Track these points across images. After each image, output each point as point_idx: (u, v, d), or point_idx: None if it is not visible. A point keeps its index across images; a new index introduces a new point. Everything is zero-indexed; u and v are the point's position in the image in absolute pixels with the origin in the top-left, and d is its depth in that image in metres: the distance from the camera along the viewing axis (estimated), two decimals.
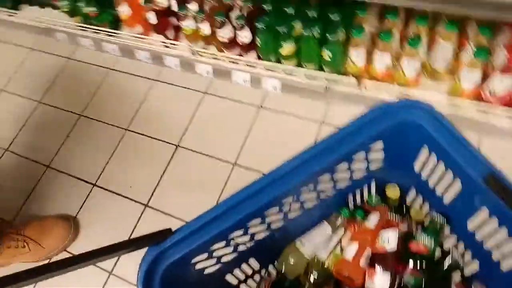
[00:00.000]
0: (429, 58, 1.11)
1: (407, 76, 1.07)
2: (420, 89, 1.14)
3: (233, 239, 0.76)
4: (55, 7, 1.62)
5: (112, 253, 0.66)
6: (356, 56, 1.08)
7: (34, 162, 1.55)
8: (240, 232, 0.75)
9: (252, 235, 0.81)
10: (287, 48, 1.16)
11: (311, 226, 0.95)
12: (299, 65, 1.22)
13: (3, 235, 1.23)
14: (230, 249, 0.80)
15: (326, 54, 1.11)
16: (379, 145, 0.79)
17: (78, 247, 1.33)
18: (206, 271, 0.81)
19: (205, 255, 0.75)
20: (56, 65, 1.77)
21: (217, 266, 0.82)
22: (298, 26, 1.16)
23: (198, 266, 0.77)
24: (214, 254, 0.77)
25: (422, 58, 1.09)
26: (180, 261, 0.69)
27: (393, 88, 1.12)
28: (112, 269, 1.26)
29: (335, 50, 1.10)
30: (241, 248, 0.83)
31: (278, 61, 1.24)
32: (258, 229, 0.80)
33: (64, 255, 1.32)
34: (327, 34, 1.05)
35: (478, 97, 1.05)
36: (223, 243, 0.76)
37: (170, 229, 0.70)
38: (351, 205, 0.98)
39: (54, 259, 1.32)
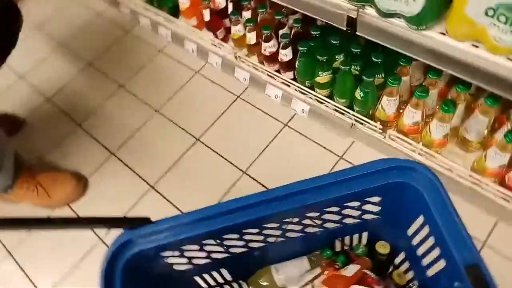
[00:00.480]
0: (462, 126, 1.07)
1: (433, 137, 1.04)
2: (444, 153, 1.10)
3: (206, 245, 0.78)
4: None
5: (91, 224, 0.70)
6: (387, 104, 1.06)
7: (69, 118, 1.65)
8: (214, 242, 0.76)
9: (228, 248, 0.82)
10: (323, 77, 1.16)
11: (291, 255, 0.94)
12: (331, 96, 1.22)
13: (19, 175, 1.32)
14: (203, 254, 0.82)
15: (359, 93, 1.10)
16: (376, 199, 0.78)
17: (80, 206, 1.40)
18: (176, 267, 0.83)
19: (177, 252, 0.77)
20: (116, 34, 1.87)
21: (187, 266, 0.84)
22: (339, 58, 1.16)
23: (168, 260, 0.79)
24: (186, 254, 0.79)
25: (454, 123, 1.05)
26: (150, 251, 0.72)
27: (416, 145, 1.09)
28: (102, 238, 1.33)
29: (368, 92, 1.09)
30: (215, 255, 0.84)
31: (312, 87, 1.25)
32: (234, 243, 0.81)
33: (66, 210, 1.40)
34: (363, 75, 1.04)
35: (501, 180, 1.00)
36: (196, 247, 0.77)
37: (149, 218, 0.73)
38: (338, 246, 0.97)
39: (56, 210, 1.40)
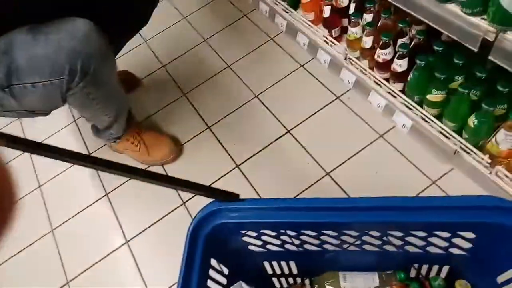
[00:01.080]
0: None
1: None
2: None
3: (283, 235, 0.81)
4: None
5: (184, 187, 0.77)
6: (504, 139, 0.97)
7: (177, 86, 1.79)
8: (292, 233, 0.79)
9: (303, 243, 0.84)
10: (435, 95, 1.09)
11: (362, 267, 0.93)
12: (439, 116, 1.15)
13: (128, 129, 1.48)
14: (278, 242, 0.85)
15: (472, 121, 1.02)
16: (469, 235, 0.73)
17: (171, 168, 1.53)
18: (250, 247, 0.88)
19: (255, 234, 0.81)
20: (233, 16, 1.97)
21: (261, 249, 0.88)
22: (457, 79, 1.08)
23: (245, 239, 0.84)
24: (263, 238, 0.83)
25: None
26: (233, 226, 0.77)
27: None
28: (186, 201, 1.43)
29: (484, 122, 1.00)
30: (288, 246, 0.87)
31: (420, 103, 1.18)
32: (310, 240, 0.83)
33: (159, 169, 1.54)
34: (483, 102, 0.96)
35: None
36: (274, 233, 0.81)
37: (238, 195, 0.78)
38: (413, 272, 0.93)
39: (150, 168, 1.54)
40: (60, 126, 1.82)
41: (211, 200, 0.77)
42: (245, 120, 1.60)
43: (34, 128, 1.84)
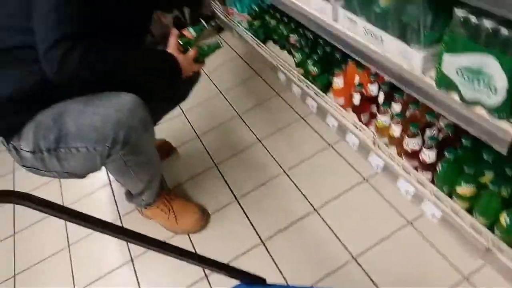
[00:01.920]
0: None
1: None
2: None
3: None
4: (290, 53, 1.93)
5: (212, 266, 0.79)
6: None
7: (209, 157, 1.87)
8: None
9: None
10: (465, 189, 1.09)
11: None
12: (470, 210, 1.13)
13: (160, 196, 1.54)
14: None
15: (504, 219, 1.00)
16: None
17: (197, 238, 1.55)
18: None
19: None
20: (268, 95, 2.09)
21: None
22: (487, 174, 1.08)
23: None
24: None
25: None
26: None
27: None
28: (210, 274, 1.43)
29: None
30: None
31: (450, 194, 1.18)
32: None
33: (185, 238, 1.55)
34: None
35: None
36: None
37: (264, 280, 0.78)
38: None
39: (176, 236, 1.57)
40: (95, 188, 1.90)
41: (236, 281, 0.78)
42: (273, 195, 1.63)
43: (71, 188, 1.93)
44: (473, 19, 0.79)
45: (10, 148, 1.22)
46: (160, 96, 1.45)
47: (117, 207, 1.79)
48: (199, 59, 1.37)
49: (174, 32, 1.33)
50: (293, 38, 1.83)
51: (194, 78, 1.55)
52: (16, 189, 1.98)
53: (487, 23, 0.76)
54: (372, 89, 1.42)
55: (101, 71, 1.11)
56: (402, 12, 0.98)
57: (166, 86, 1.31)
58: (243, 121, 2.00)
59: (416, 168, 1.28)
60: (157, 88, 1.35)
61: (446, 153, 1.11)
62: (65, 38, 1.01)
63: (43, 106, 1.17)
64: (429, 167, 1.22)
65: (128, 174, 1.32)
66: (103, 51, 1.10)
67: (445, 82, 0.91)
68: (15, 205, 0.88)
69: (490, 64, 0.77)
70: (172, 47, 1.30)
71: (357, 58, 1.25)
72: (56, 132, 1.15)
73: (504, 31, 0.74)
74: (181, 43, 1.33)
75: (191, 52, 1.32)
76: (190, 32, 1.36)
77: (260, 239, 1.48)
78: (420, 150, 1.22)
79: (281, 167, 1.72)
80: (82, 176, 1.33)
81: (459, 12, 0.80)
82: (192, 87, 1.62)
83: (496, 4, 0.69)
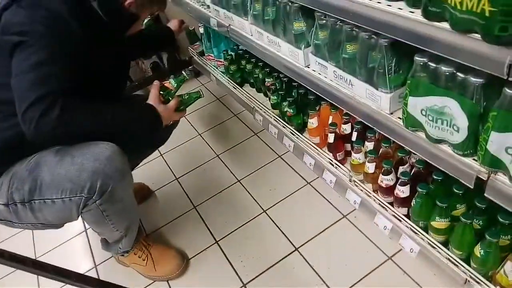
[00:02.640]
0: None
1: None
2: None
3: None
4: (266, 95, 1.99)
5: None
6: (511, 270, 0.97)
7: (187, 199, 1.86)
8: None
9: None
10: (439, 222, 1.13)
11: None
12: (445, 243, 1.16)
13: (137, 242, 1.50)
14: None
15: (478, 250, 1.03)
16: None
17: (176, 284, 1.50)
18: None
19: None
20: (245, 134, 2.13)
21: None
22: (459, 207, 1.12)
23: None
24: None
25: None
26: None
27: None
28: None
29: (490, 252, 1.01)
30: None
31: (426, 229, 1.21)
32: None
33: (163, 285, 1.51)
34: (486, 233, 0.99)
35: None
36: None
37: None
38: None
39: (155, 283, 1.52)
40: (70, 236, 1.84)
41: None
42: (253, 235, 1.62)
43: (44, 236, 1.86)
44: (432, 64, 0.86)
45: None
46: (139, 143, 1.46)
47: (92, 255, 1.73)
48: (180, 108, 1.40)
49: (155, 83, 1.36)
50: (269, 81, 1.90)
51: (173, 124, 1.57)
52: None
53: (445, 68, 0.83)
54: (346, 128, 1.48)
55: (78, 132, 1.11)
56: (368, 58, 1.05)
57: (146, 135, 1.34)
58: (222, 161, 2.01)
59: (391, 204, 1.31)
60: (136, 137, 1.36)
61: (419, 188, 1.15)
62: (42, 98, 1.02)
63: (19, 158, 1.16)
64: (404, 202, 1.26)
65: (105, 224, 1.28)
66: (80, 110, 1.09)
67: (411, 122, 0.97)
68: None
69: (451, 105, 0.83)
70: (153, 98, 1.31)
71: (329, 100, 1.32)
72: (31, 183, 1.12)
73: (461, 75, 0.81)
74: (163, 93, 1.36)
75: (172, 103, 1.34)
76: (171, 83, 1.39)
77: (242, 282, 1.45)
78: (394, 186, 1.27)
79: (260, 207, 1.72)
80: (58, 226, 1.29)
81: (419, 58, 0.87)
82: (170, 132, 1.64)
83: (452, 53, 0.76)
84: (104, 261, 1.67)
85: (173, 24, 1.86)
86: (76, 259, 1.73)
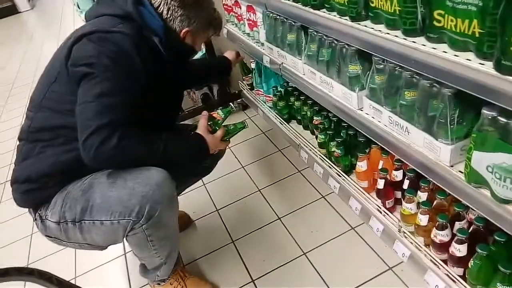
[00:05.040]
0: None
1: None
2: None
3: None
4: (313, 133, 1.97)
5: None
6: None
7: (226, 232, 1.83)
8: None
9: None
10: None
11: None
12: None
13: (174, 272, 1.49)
14: None
15: None
16: None
17: None
18: None
19: None
20: (288, 171, 2.11)
21: None
22: None
23: None
24: None
25: None
26: None
27: None
28: None
29: None
30: None
31: None
32: None
33: None
34: None
35: None
36: None
37: None
38: None
39: None
40: (109, 258, 1.86)
41: None
42: (291, 278, 1.56)
43: (85, 256, 1.90)
44: (502, 119, 0.80)
45: (36, 217, 1.24)
46: (186, 171, 1.48)
47: (129, 280, 1.73)
48: (225, 138, 1.45)
49: (204, 114, 1.42)
50: (317, 119, 1.88)
51: (219, 154, 1.59)
52: (31, 254, 1.97)
53: None
54: (397, 175, 1.41)
55: (132, 159, 1.17)
56: (428, 106, 1.00)
57: (193, 163, 1.39)
58: (263, 197, 1.99)
59: (445, 262, 1.21)
60: (184, 165, 1.41)
61: (478, 249, 1.05)
62: (103, 127, 1.08)
63: (75, 179, 1.21)
64: (459, 261, 1.15)
65: (148, 248, 1.29)
66: (136, 140, 1.16)
67: (475, 178, 0.90)
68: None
69: None
70: (201, 128, 1.37)
71: (381, 145, 1.27)
72: (83, 203, 1.17)
73: None
74: (210, 123, 1.42)
75: (219, 132, 1.40)
76: (218, 114, 1.46)
77: None
78: (449, 242, 1.17)
79: (301, 248, 1.66)
80: (103, 248, 1.32)
81: (488, 112, 0.82)
82: (216, 162, 1.66)
83: None
84: (140, 287, 1.67)
85: (230, 54, 1.91)
86: (113, 282, 1.75)
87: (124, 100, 1.13)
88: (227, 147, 1.53)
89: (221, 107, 1.52)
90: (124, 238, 1.25)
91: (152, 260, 1.39)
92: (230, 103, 1.48)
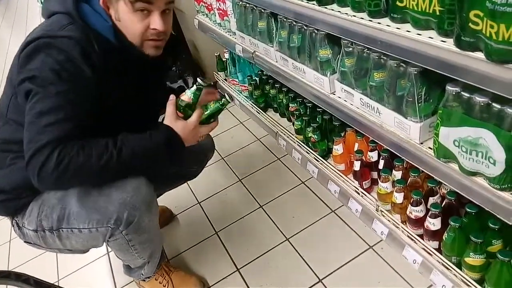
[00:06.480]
0: None
1: None
2: None
3: None
4: (290, 120, 1.98)
5: None
6: None
7: (209, 224, 1.84)
8: None
9: None
10: (474, 259, 1.06)
11: None
12: (481, 281, 1.09)
13: (159, 268, 1.48)
14: None
15: None
16: None
17: None
18: None
19: None
20: (268, 159, 2.12)
21: None
22: (495, 243, 1.06)
23: None
24: None
25: None
26: None
27: None
28: None
29: None
30: None
31: (459, 265, 1.14)
32: None
33: None
34: None
35: None
36: None
37: None
38: None
39: None
40: (92, 258, 1.84)
41: None
42: (275, 264, 1.58)
43: (68, 258, 1.87)
44: (465, 94, 0.82)
45: (13, 224, 1.21)
46: (168, 176, 1.45)
47: (113, 278, 1.72)
48: (208, 120, 1.24)
49: (171, 99, 1.18)
50: (293, 106, 1.89)
51: (206, 147, 1.56)
52: (11, 259, 1.93)
53: (480, 99, 0.80)
54: (372, 155, 1.44)
55: (84, 177, 1.06)
56: (396, 86, 1.03)
57: (167, 160, 1.16)
58: (244, 186, 2.00)
59: (421, 236, 1.25)
60: (159, 167, 1.19)
61: (451, 222, 1.09)
62: (40, 150, 0.99)
63: None
64: (434, 235, 1.20)
65: (129, 252, 1.27)
66: (81, 154, 1.01)
67: (443, 153, 0.93)
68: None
69: (486, 137, 0.80)
70: (169, 117, 1.16)
71: (355, 128, 1.29)
72: (59, 211, 1.14)
73: (496, 105, 0.78)
74: (182, 107, 1.19)
75: (194, 116, 1.17)
76: (187, 95, 1.20)
77: None
78: (424, 217, 1.21)
79: (283, 234, 1.68)
80: (84, 252, 1.31)
81: (452, 88, 0.84)
82: (202, 168, 1.63)
83: (487, 83, 0.73)
84: (125, 285, 1.66)
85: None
86: (98, 282, 1.73)
87: (66, 114, 1.02)
88: (214, 129, 1.26)
89: (189, 88, 1.24)
90: (105, 243, 1.22)
91: (135, 261, 1.37)
92: (198, 79, 1.20)
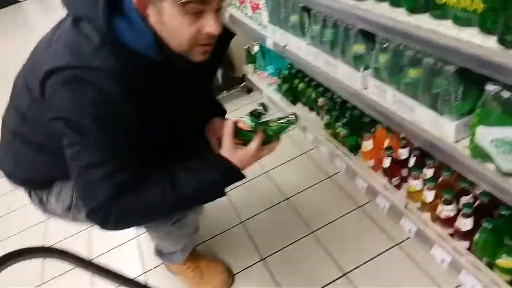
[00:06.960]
0: None
1: None
2: None
3: None
4: (318, 115, 1.98)
5: None
6: None
7: (235, 213, 1.87)
8: None
9: None
10: (507, 262, 1.05)
11: None
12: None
13: (189, 253, 1.52)
14: None
15: None
16: None
17: None
18: None
19: None
20: (293, 153, 2.12)
21: None
22: None
23: None
24: None
25: None
26: None
27: None
28: None
29: None
30: None
31: (490, 266, 1.13)
32: None
33: None
34: None
35: None
36: None
37: None
38: None
39: None
40: (123, 240, 1.91)
41: None
42: (300, 256, 1.59)
43: (100, 239, 1.95)
44: (505, 94, 0.81)
45: (31, 195, 1.24)
46: None
47: (143, 261, 1.79)
48: (270, 140, 1.12)
49: (227, 129, 1.06)
50: (322, 101, 1.89)
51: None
52: (45, 240, 2.03)
53: None
54: (403, 153, 1.43)
55: (143, 217, 1.07)
56: (432, 84, 1.01)
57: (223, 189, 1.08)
58: (271, 178, 2.02)
59: (451, 236, 1.24)
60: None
61: (483, 223, 1.08)
62: (96, 211, 0.96)
63: None
64: (465, 235, 1.18)
65: (166, 240, 1.34)
66: (138, 204, 0.98)
67: (479, 153, 0.92)
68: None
69: None
70: (226, 146, 1.05)
71: (386, 124, 1.28)
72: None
73: None
74: (242, 133, 1.08)
75: (256, 142, 1.06)
76: (245, 123, 1.08)
77: None
78: (455, 217, 1.20)
79: (309, 227, 1.70)
80: None
81: (491, 87, 0.83)
82: None
83: None
84: (153, 267, 1.72)
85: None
86: (128, 263, 1.80)
87: (115, 165, 0.94)
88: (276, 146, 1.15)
89: (247, 114, 1.12)
90: None
91: (169, 247, 1.43)
92: (261, 105, 1.06)
